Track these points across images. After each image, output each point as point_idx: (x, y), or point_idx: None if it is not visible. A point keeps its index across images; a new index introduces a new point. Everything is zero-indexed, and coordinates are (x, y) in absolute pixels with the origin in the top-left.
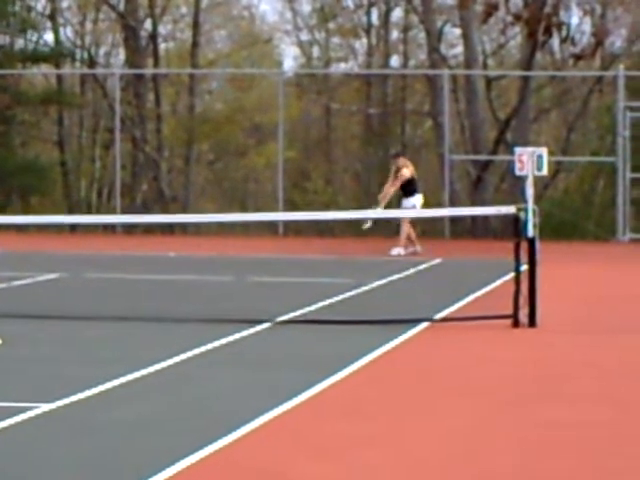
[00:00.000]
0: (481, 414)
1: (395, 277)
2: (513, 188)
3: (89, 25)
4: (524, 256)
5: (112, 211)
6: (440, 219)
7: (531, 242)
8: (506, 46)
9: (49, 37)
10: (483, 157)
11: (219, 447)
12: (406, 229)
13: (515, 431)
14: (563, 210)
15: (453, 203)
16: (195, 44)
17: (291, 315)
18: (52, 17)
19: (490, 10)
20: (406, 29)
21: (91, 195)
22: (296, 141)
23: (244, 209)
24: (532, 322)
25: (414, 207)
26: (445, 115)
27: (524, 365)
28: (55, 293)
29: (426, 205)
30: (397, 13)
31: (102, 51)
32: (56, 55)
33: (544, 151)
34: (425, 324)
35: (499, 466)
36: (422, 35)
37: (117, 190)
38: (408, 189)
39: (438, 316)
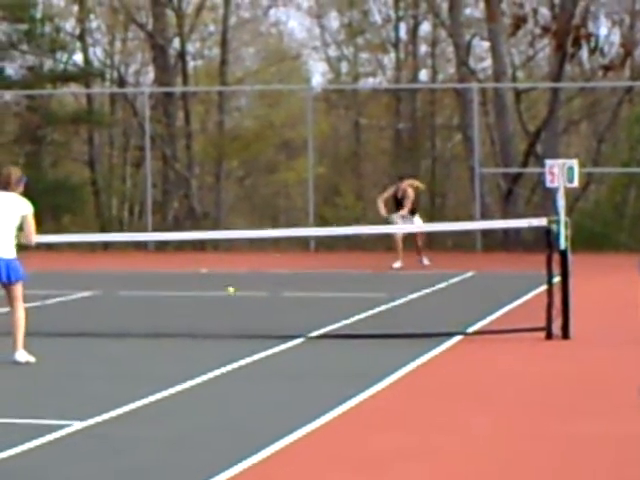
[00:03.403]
0: (516, 427)
1: (427, 291)
2: (544, 200)
3: (118, 44)
4: (556, 268)
5: (144, 229)
6: (472, 232)
7: (563, 254)
8: (535, 58)
9: (78, 57)
10: (513, 170)
11: (254, 463)
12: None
13: (549, 445)
14: (595, 222)
15: (484, 216)
16: (224, 61)
17: (325, 330)
18: (81, 37)
19: (518, 23)
20: (434, 43)
21: (123, 213)
22: (326, 157)
23: (275, 225)
24: (565, 334)
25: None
26: (475, 128)
27: (558, 378)
28: (88, 311)
29: (457, 219)
30: (425, 27)
31: (131, 70)
32: (86, 75)
33: (575, 163)
34: (458, 337)
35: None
36: (450, 49)
37: (148, 208)
38: (414, 208)
39: (471, 329)
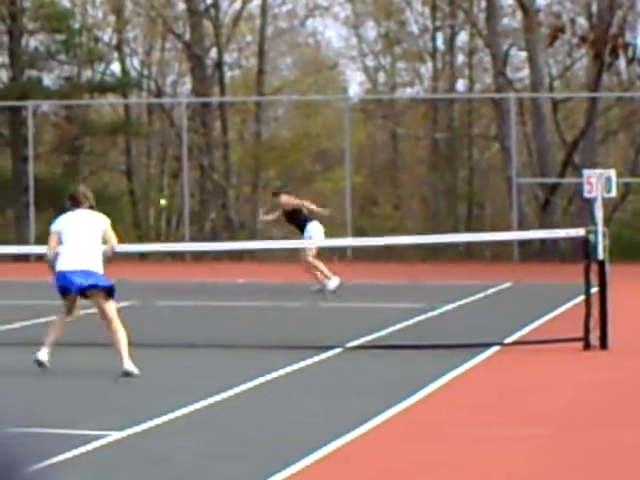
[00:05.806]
0: (556, 438)
1: (465, 301)
2: (582, 210)
3: (155, 55)
4: (594, 278)
5: (181, 239)
6: (509, 243)
7: (601, 264)
8: (572, 68)
9: (116, 67)
10: (551, 180)
11: (288, 475)
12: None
13: (585, 456)
14: (633, 232)
15: (522, 226)
16: (261, 72)
17: (362, 340)
18: (119, 48)
19: (556, 33)
20: (471, 53)
21: (160, 223)
22: (363, 166)
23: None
24: (603, 344)
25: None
26: (512, 138)
27: (596, 388)
28: (126, 321)
29: (494, 229)
30: (462, 37)
31: (169, 80)
32: (123, 85)
33: (612, 173)
34: (496, 348)
35: None
36: (488, 59)
37: (186, 218)
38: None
39: (509, 340)
